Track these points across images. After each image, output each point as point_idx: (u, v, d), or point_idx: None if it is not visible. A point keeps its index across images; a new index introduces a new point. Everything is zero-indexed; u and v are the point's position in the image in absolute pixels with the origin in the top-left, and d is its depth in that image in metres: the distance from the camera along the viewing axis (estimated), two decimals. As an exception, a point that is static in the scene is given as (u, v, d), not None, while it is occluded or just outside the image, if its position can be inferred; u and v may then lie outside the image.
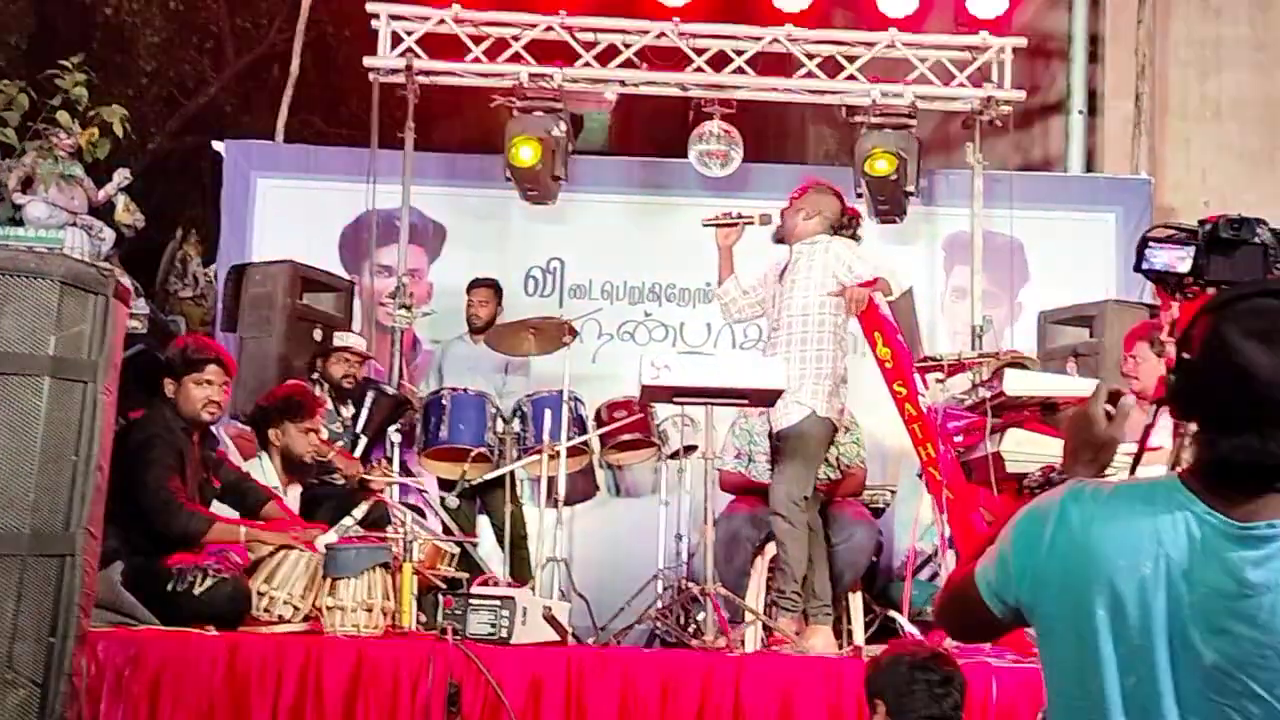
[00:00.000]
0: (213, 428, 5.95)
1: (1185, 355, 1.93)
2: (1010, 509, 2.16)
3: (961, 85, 8.55)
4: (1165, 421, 2.44)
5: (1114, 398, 2.23)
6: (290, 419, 6.33)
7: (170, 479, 5.40)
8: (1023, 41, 8.62)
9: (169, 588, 5.25)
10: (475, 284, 8.14)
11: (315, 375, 7.32)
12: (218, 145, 9.12)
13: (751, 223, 6.27)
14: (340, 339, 7.36)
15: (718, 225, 6.31)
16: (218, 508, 5.75)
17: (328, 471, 6.92)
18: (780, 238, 6.28)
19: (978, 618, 2.12)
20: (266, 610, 5.35)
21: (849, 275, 5.98)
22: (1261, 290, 1.90)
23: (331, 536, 5.56)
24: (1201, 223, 2.35)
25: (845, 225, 6.24)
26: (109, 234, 9.18)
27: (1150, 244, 2.36)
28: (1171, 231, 2.37)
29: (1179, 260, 2.33)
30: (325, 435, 6.98)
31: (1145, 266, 2.36)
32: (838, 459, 6.87)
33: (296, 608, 5.38)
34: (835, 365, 5.99)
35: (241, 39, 14.79)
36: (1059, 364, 7.26)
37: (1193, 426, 1.99)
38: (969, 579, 2.12)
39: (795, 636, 5.75)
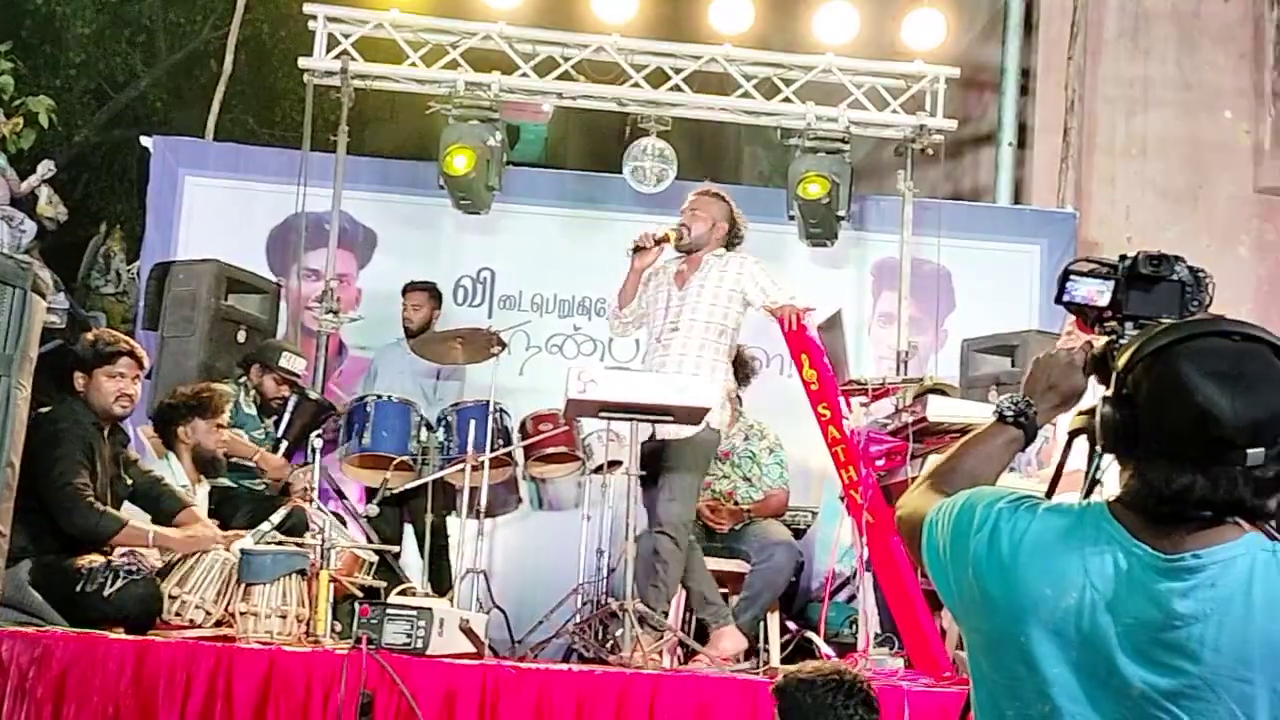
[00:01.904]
0: (126, 426, 5.87)
1: (1125, 392, 1.94)
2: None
3: (895, 112, 8.63)
4: (1079, 446, 2.47)
5: (1095, 361, 2.30)
6: (201, 416, 6.26)
7: (78, 475, 5.30)
8: (956, 72, 8.71)
9: (78, 588, 5.16)
10: (410, 288, 8.10)
11: (243, 379, 7.23)
12: (146, 141, 9.00)
13: (667, 241, 6.27)
14: (287, 360, 7.22)
15: (638, 248, 6.26)
16: (127, 509, 5.66)
17: (251, 476, 6.85)
18: (688, 247, 6.29)
19: (916, 557, 2.16)
20: (178, 614, 5.27)
21: (762, 297, 6.02)
22: (1213, 331, 1.91)
23: (248, 542, 5.50)
24: (1122, 258, 2.37)
25: (737, 235, 6.29)
26: (30, 226, 9.05)
27: (1071, 276, 2.37)
28: (1093, 265, 2.39)
29: (1098, 294, 2.35)
30: (246, 441, 6.93)
31: (1066, 299, 2.37)
32: (760, 479, 6.90)
33: (209, 613, 5.31)
34: (727, 378, 6.03)
35: (174, 35, 14.65)
36: (981, 392, 7.33)
37: (1109, 458, 2.00)
38: (921, 521, 2.14)
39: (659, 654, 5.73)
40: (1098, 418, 1.99)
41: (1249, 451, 1.84)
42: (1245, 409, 1.83)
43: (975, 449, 2.32)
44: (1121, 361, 1.96)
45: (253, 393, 7.17)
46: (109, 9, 13.97)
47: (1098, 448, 2.03)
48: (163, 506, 5.73)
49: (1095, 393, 2.41)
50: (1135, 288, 2.34)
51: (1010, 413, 2.31)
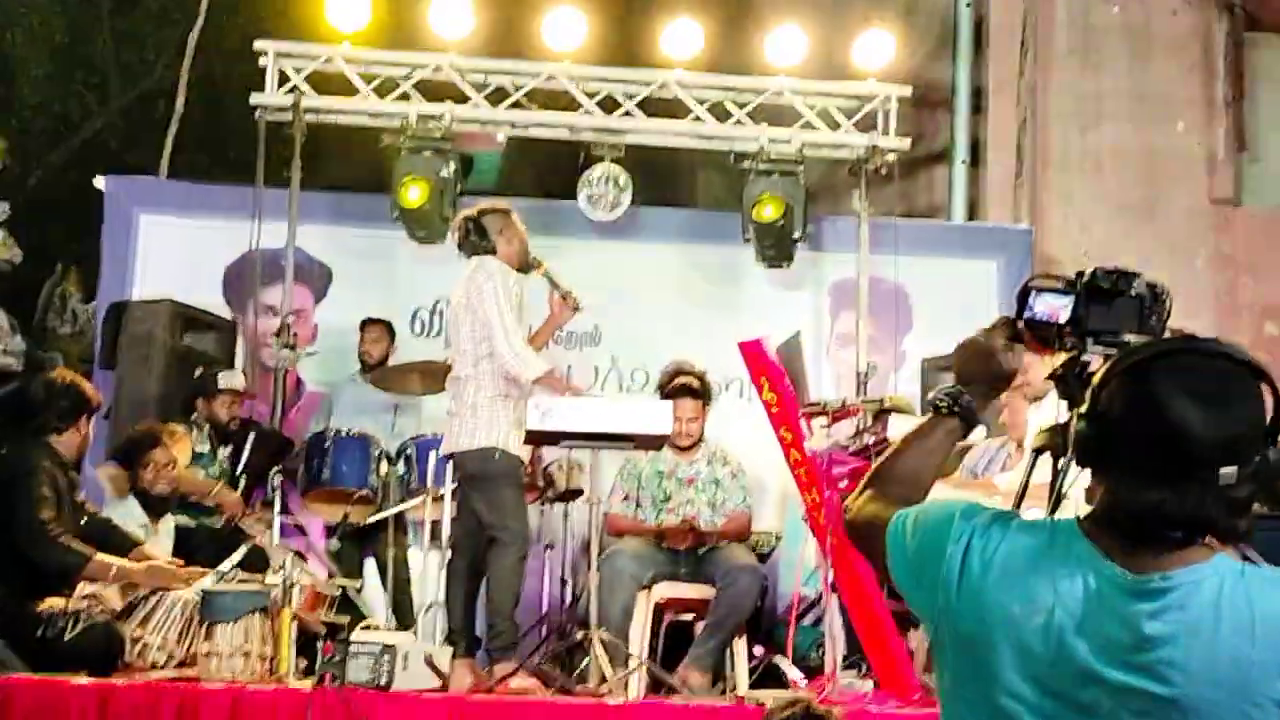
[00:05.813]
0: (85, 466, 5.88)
1: (1098, 409, 1.92)
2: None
3: (848, 133, 8.64)
4: (1043, 462, 2.46)
5: (1011, 329, 2.32)
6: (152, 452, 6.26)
7: (44, 511, 5.31)
8: (908, 91, 8.73)
9: (39, 633, 5.13)
10: (367, 323, 8.09)
11: (194, 415, 7.18)
12: (99, 182, 8.91)
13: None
14: (224, 379, 7.21)
15: None
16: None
17: (210, 513, 6.79)
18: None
19: (877, 562, 2.13)
20: (140, 656, 5.22)
21: None
22: (1186, 348, 1.90)
23: (209, 580, 5.44)
24: (1079, 274, 2.37)
25: None
26: (-16, 270, 8.97)
27: (1033, 291, 2.37)
28: (1053, 281, 2.39)
29: (1061, 309, 2.35)
30: (202, 476, 6.87)
31: (1028, 315, 2.36)
32: (723, 503, 6.88)
33: (171, 654, 5.25)
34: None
35: (127, 75, 14.56)
36: (942, 410, 7.30)
37: (1086, 474, 1.99)
38: (882, 528, 2.11)
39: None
40: (1071, 433, 1.97)
41: (1221, 470, 1.83)
42: (1218, 426, 1.83)
43: (916, 445, 2.33)
44: (1096, 378, 1.96)
45: (205, 428, 7.13)
46: (63, 50, 13.90)
47: (1061, 463, 2.03)
48: (113, 545, 5.69)
49: (1058, 409, 2.41)
50: (1095, 303, 2.34)
51: (944, 404, 2.31)
